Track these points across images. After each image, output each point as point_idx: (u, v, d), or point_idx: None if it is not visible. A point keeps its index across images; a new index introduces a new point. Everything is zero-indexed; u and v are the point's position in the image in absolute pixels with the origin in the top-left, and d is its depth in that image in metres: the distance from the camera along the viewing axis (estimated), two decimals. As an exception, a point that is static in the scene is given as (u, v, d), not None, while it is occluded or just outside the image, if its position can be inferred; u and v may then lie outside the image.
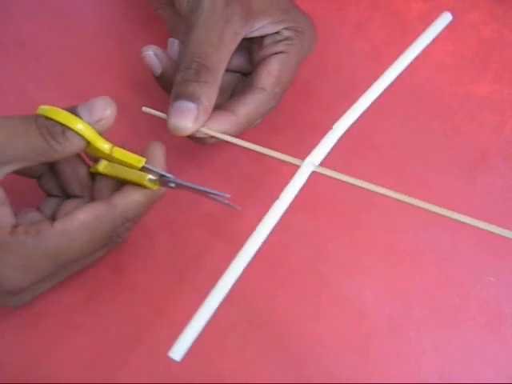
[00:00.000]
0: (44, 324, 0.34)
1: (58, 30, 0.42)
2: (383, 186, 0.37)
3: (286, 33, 0.35)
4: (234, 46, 0.33)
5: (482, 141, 0.39)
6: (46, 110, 0.29)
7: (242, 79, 0.38)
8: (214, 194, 0.30)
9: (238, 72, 0.38)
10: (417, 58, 0.41)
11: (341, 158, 0.38)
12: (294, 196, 0.28)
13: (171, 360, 0.24)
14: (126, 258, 0.35)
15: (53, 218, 0.33)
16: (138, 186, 0.31)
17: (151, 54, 0.34)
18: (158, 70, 0.35)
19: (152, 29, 0.39)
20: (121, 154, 0.30)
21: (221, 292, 0.25)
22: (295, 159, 0.29)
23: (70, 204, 0.33)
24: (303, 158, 0.29)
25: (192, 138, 0.33)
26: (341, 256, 0.36)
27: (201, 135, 0.32)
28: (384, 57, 0.41)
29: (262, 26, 0.34)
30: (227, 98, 0.36)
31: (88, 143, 0.30)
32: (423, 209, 0.27)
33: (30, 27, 0.43)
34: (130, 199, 0.31)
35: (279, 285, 0.35)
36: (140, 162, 0.30)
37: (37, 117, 0.29)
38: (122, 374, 0.33)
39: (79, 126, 0.29)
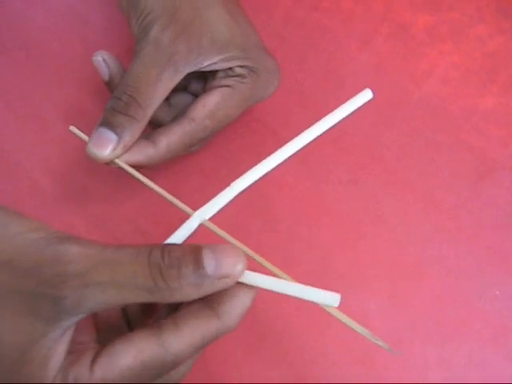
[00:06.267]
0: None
1: (64, 39, 0.43)
2: (389, 198, 0.38)
3: (239, 70, 0.34)
4: (174, 83, 0.32)
5: (487, 154, 0.39)
6: None
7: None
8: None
9: (194, 95, 0.37)
10: (422, 72, 0.42)
11: (347, 170, 0.39)
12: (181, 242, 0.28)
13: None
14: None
15: None
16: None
17: (99, 60, 0.34)
18: (106, 77, 0.34)
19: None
20: None
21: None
22: (187, 208, 0.28)
23: None
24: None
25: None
26: (345, 268, 0.36)
27: (115, 165, 0.32)
28: (390, 69, 0.41)
29: (212, 63, 0.33)
30: (174, 116, 0.35)
31: None
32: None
33: (36, 35, 0.43)
34: (185, 342, 0.24)
35: (283, 296, 0.35)
36: None
37: (151, 250, 0.24)
38: None
39: None
